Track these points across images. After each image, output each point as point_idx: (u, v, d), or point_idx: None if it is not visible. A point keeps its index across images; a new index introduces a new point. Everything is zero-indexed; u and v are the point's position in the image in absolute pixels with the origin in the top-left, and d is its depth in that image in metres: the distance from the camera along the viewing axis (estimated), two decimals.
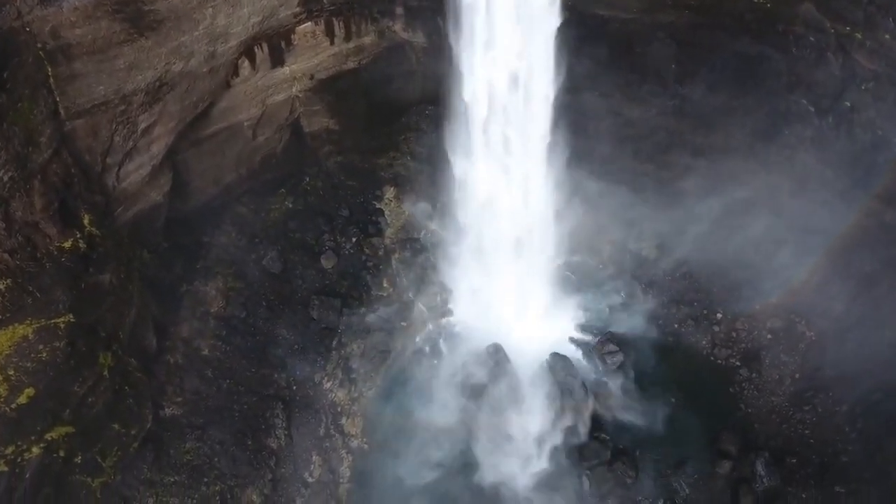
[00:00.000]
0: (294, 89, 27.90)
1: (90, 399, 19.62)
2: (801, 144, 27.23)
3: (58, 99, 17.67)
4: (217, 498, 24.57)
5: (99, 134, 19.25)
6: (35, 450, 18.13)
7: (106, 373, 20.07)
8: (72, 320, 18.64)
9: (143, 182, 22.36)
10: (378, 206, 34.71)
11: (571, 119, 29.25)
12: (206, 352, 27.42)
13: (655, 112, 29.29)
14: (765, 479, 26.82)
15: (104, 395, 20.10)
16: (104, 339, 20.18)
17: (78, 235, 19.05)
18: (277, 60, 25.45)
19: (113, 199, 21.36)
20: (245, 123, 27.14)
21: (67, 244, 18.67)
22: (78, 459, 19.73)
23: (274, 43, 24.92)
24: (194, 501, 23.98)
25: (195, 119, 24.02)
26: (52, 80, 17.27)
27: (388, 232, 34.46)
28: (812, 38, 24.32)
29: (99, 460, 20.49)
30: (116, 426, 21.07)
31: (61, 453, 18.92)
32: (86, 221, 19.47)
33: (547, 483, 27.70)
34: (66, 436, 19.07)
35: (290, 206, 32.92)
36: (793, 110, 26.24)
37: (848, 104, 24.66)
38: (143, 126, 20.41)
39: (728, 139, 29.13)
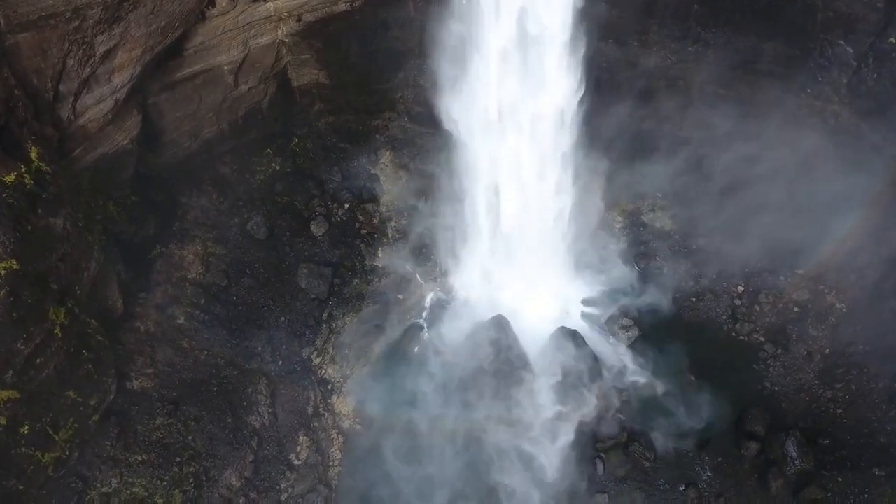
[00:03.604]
0: (280, 32, 25.36)
1: (38, 360, 17.04)
2: (835, 93, 24.92)
3: None
4: (191, 480, 22.06)
5: (48, 53, 16.69)
6: None
7: (58, 331, 17.51)
8: (15, 267, 16.09)
9: (105, 120, 19.79)
10: (373, 170, 32.31)
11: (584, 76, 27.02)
12: (181, 320, 24.94)
13: (675, 60, 26.89)
14: (796, 462, 24.59)
15: (56, 356, 17.53)
16: (56, 293, 17.60)
17: (23, 169, 16.52)
18: None
19: (69, 135, 18.81)
20: (225, 67, 24.60)
21: (10, 178, 16.08)
22: (24, 430, 17.17)
23: None
24: (165, 483, 21.45)
25: (166, 54, 21.43)
26: None
27: (384, 198, 32.06)
28: None
29: (50, 432, 17.94)
30: (71, 394, 18.50)
31: (3, 421, 16.37)
32: (33, 155, 16.92)
33: (557, 466, 25.37)
34: (9, 401, 16.52)
35: (278, 168, 30.49)
36: (827, 53, 23.89)
37: (892, 40, 22.31)
38: (101, 49, 17.82)
39: (753, 91, 26.78)
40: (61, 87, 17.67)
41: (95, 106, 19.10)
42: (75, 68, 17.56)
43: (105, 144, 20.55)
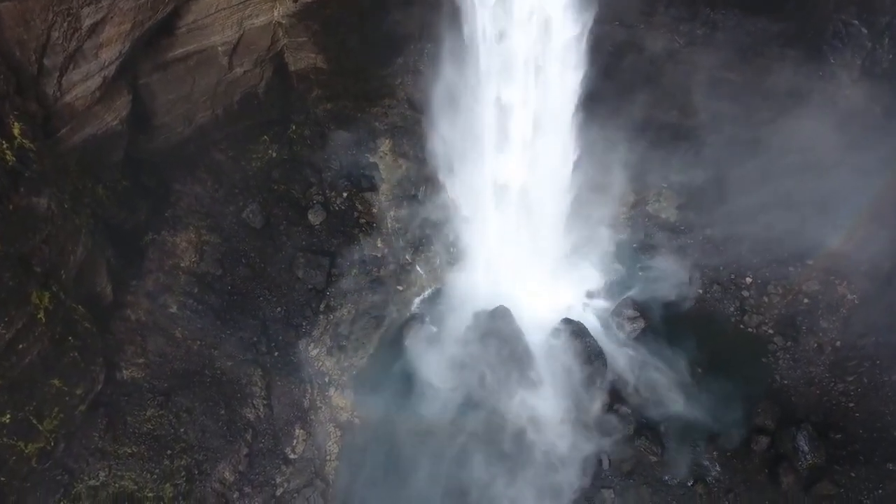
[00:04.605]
0: (276, 13, 24.56)
1: (20, 345, 16.30)
2: (848, 76, 24.16)
3: None
4: (182, 473, 21.37)
5: (31, 24, 15.94)
6: None
7: (41, 316, 16.77)
8: None
9: (93, 99, 19.03)
10: (372, 159, 31.49)
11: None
12: (174, 309, 24.19)
13: (683, 43, 26.14)
14: (808, 456, 23.84)
15: (39, 342, 16.79)
16: (40, 276, 16.86)
17: (5, 146, 15.78)
18: None
19: (55, 112, 18.06)
20: (219, 48, 23.82)
21: None
22: (6, 419, 16.44)
23: None
24: (155, 476, 20.75)
25: (157, 31, 20.63)
26: None
27: (383, 187, 31.27)
28: None
29: (34, 421, 17.19)
30: (57, 382, 17.76)
31: None
32: (16, 131, 16.17)
33: (561, 461, 24.62)
34: None
35: (274, 155, 29.67)
36: (841, 34, 23.15)
37: None
38: (88, 22, 17.04)
39: (763, 75, 26.02)
40: (46, 61, 16.93)
41: (82, 83, 18.34)
42: (60, 41, 16.80)
43: (93, 124, 19.80)
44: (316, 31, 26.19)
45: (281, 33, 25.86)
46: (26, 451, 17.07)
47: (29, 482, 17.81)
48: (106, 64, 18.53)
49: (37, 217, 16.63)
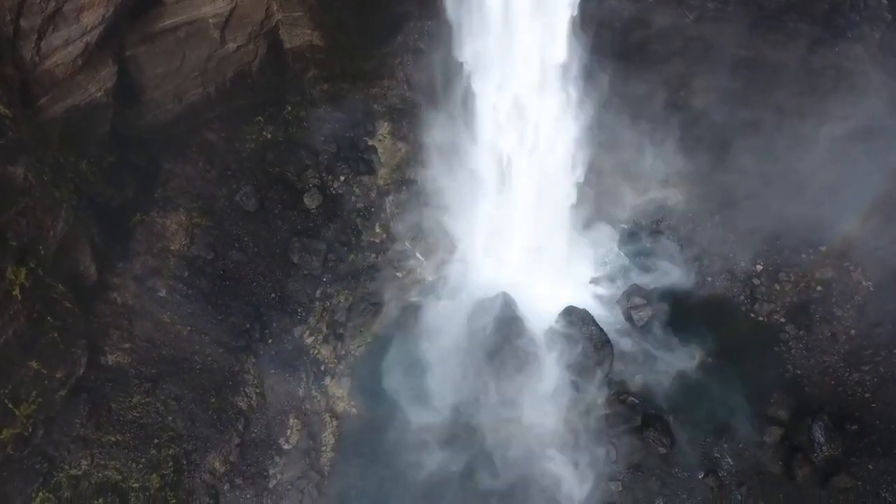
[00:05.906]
0: None
1: None
2: (865, 51, 23.22)
3: None
4: (170, 463, 20.38)
5: None
6: None
7: (17, 293, 15.80)
8: None
9: (74, 66, 18.04)
10: (370, 142, 30.54)
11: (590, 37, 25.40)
12: (162, 293, 23.19)
13: (692, 18, 25.20)
14: (824, 448, 22.93)
15: (15, 320, 15.81)
16: (15, 250, 15.89)
17: None
18: None
19: (35, 79, 17.08)
20: (210, 20, 22.84)
21: None
22: None
23: None
24: (141, 466, 19.76)
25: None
26: None
27: (382, 171, 30.29)
28: None
29: (10, 405, 16.21)
30: (34, 364, 16.77)
31: None
32: None
33: (566, 453, 23.69)
34: None
35: (269, 136, 28.68)
36: (859, 5, 22.25)
37: None
38: None
39: (776, 51, 25.06)
40: (22, 22, 15.94)
41: (63, 48, 17.34)
42: (38, 1, 15.86)
43: (76, 94, 18.79)
44: (312, 6, 25.24)
45: (275, 7, 24.89)
46: (1, 437, 16.10)
47: (5, 470, 16.82)
48: (88, 29, 17.53)
49: (12, 187, 15.67)
